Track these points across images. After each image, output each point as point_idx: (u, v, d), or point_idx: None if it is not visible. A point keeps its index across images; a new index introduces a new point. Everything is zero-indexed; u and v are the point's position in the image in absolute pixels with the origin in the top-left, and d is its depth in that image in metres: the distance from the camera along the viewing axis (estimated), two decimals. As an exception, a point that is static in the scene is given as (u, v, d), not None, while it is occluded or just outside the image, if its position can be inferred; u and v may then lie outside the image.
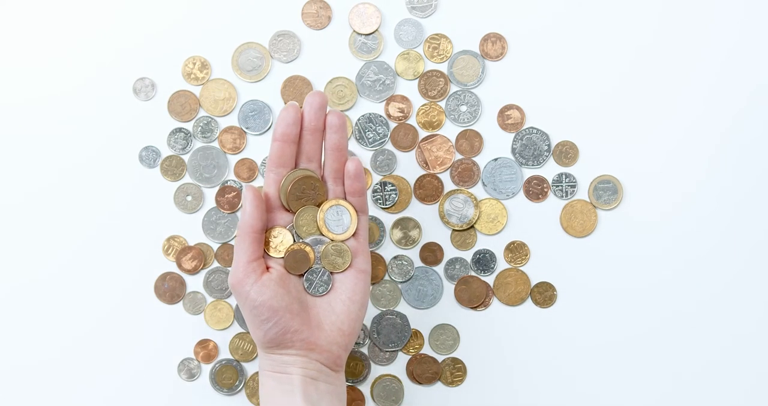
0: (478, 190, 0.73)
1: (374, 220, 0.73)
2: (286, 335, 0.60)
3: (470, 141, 0.73)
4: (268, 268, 0.61)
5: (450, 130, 0.73)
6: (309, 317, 0.61)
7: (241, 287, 0.60)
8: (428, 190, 0.73)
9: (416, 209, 0.73)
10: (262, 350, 0.61)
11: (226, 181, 0.74)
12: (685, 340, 0.72)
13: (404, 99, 0.73)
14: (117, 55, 0.74)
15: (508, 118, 0.73)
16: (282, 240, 0.62)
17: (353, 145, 0.73)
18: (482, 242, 0.73)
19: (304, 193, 0.62)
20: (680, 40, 0.73)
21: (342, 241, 0.63)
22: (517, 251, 0.73)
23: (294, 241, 0.62)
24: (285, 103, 0.73)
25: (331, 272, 0.63)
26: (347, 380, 0.73)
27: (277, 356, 0.61)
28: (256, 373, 0.73)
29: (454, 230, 0.73)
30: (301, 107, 0.62)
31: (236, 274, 0.60)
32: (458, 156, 0.73)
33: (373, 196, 0.73)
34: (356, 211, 0.63)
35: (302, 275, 0.63)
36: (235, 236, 0.73)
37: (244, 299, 0.60)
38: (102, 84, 0.74)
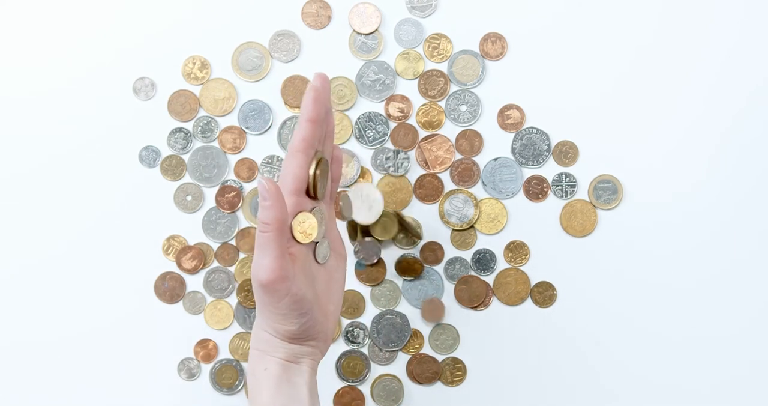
0: (478, 190, 0.73)
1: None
2: (316, 326, 0.58)
3: (470, 141, 0.73)
4: None
5: (450, 130, 0.73)
6: (323, 309, 0.61)
7: (281, 282, 0.56)
8: (428, 189, 0.73)
9: (416, 209, 0.73)
10: (283, 340, 0.59)
11: (226, 181, 0.74)
12: (684, 339, 0.72)
13: (404, 99, 0.73)
14: (117, 55, 0.74)
15: (508, 117, 0.73)
16: (310, 224, 0.60)
17: (353, 144, 0.73)
18: (482, 242, 0.73)
19: (323, 174, 0.61)
20: (680, 40, 0.73)
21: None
22: (517, 250, 0.73)
23: (318, 224, 0.59)
24: (284, 103, 0.73)
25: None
26: (347, 380, 0.73)
27: (297, 347, 0.59)
28: (256, 373, 0.73)
29: (454, 230, 0.73)
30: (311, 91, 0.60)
31: (273, 270, 0.56)
32: (458, 156, 0.73)
33: (386, 164, 0.73)
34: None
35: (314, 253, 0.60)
36: (235, 235, 0.73)
37: (284, 294, 0.56)
38: (102, 84, 0.74)
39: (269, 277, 0.56)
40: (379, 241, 0.72)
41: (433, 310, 0.72)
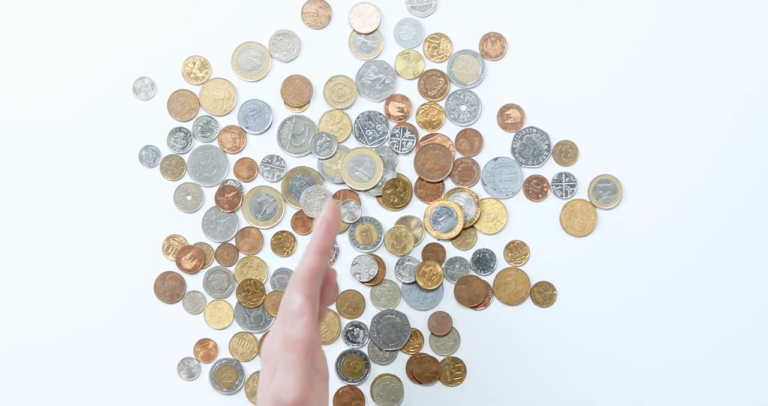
0: (478, 190, 0.73)
1: (372, 221, 0.73)
2: None
3: (470, 140, 0.73)
4: None
5: (450, 130, 0.73)
6: None
7: (303, 402, 0.53)
8: (429, 189, 0.73)
9: (417, 208, 0.73)
10: None
11: (226, 181, 0.74)
12: (684, 339, 0.72)
13: (404, 98, 0.73)
14: (117, 55, 0.74)
15: (508, 117, 0.73)
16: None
17: (353, 143, 0.73)
18: (482, 242, 0.73)
19: None
20: (680, 40, 0.73)
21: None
22: (516, 250, 0.73)
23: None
24: (284, 103, 0.73)
25: None
26: (347, 380, 0.73)
27: None
28: (256, 372, 0.73)
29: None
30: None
31: (298, 390, 0.53)
32: (458, 155, 0.73)
33: (391, 140, 0.73)
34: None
35: None
36: (235, 235, 0.73)
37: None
38: (102, 83, 0.74)
39: (294, 398, 0.53)
40: None
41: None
